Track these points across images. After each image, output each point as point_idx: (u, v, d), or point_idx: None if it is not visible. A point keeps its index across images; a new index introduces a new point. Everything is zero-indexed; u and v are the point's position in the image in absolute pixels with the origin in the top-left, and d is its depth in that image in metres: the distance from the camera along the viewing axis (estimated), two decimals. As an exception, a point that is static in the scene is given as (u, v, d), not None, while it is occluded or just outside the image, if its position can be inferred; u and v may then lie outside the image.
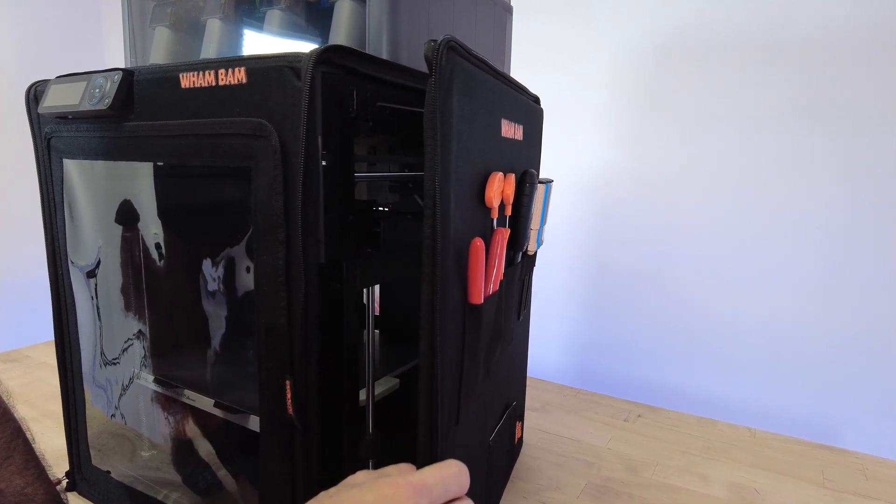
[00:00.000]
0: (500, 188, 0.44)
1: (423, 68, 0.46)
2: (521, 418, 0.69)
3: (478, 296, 0.42)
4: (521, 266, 0.60)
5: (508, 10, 0.65)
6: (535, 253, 0.67)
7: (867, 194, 0.91)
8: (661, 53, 1.04)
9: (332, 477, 0.43)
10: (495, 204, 0.44)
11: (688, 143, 1.03)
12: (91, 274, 0.59)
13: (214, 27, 0.57)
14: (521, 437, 0.68)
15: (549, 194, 0.63)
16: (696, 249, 1.05)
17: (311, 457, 0.43)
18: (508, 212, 0.49)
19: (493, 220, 0.45)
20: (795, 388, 1.00)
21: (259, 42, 0.58)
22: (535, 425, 0.83)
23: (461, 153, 0.39)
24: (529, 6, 1.14)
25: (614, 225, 1.13)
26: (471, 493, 0.36)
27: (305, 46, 0.52)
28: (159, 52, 0.60)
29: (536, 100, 0.65)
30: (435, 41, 0.35)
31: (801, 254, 0.97)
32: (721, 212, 1.02)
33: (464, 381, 0.43)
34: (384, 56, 0.47)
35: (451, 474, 0.35)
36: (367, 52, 0.46)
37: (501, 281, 0.48)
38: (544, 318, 1.22)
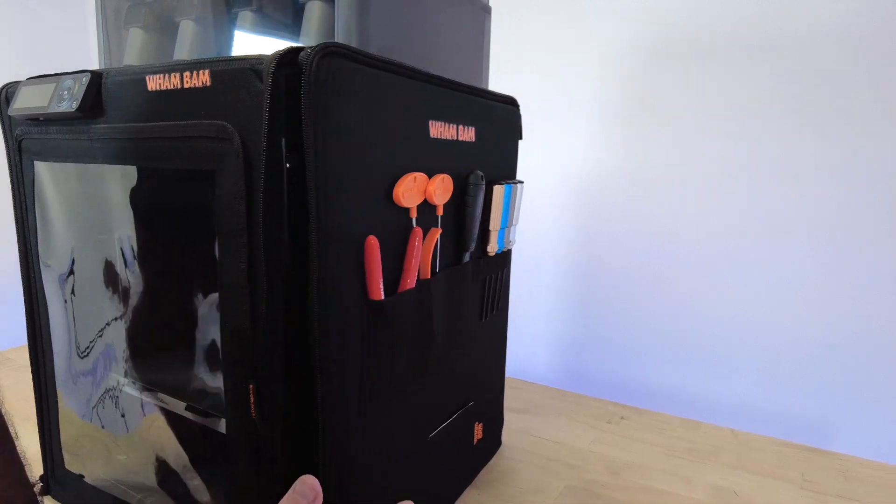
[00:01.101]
0: (414, 188, 0.46)
1: (397, 58, 0.47)
2: (485, 419, 0.68)
3: (377, 292, 0.43)
4: (478, 266, 0.61)
5: (487, 10, 0.65)
6: (505, 254, 0.67)
7: (857, 194, 0.91)
8: (652, 52, 1.04)
9: (291, 476, 0.43)
10: (406, 203, 0.45)
11: (678, 143, 1.03)
12: (64, 276, 0.58)
13: (188, 29, 0.56)
14: (483, 438, 0.68)
15: (515, 196, 0.63)
16: (686, 250, 1.05)
17: (276, 460, 0.43)
18: (440, 212, 0.50)
19: (412, 219, 0.47)
20: (787, 391, 1.00)
21: (234, 43, 0.58)
22: (519, 427, 0.82)
23: (353, 153, 0.40)
24: (517, 4, 1.14)
25: (604, 225, 1.12)
26: (405, 487, 0.38)
27: (281, 46, 0.52)
28: (133, 54, 0.59)
29: (509, 101, 0.64)
30: (311, 48, 0.37)
31: (791, 255, 0.97)
32: (710, 212, 1.02)
33: (369, 376, 0.45)
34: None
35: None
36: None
37: (425, 280, 0.49)
38: (533, 318, 1.22)
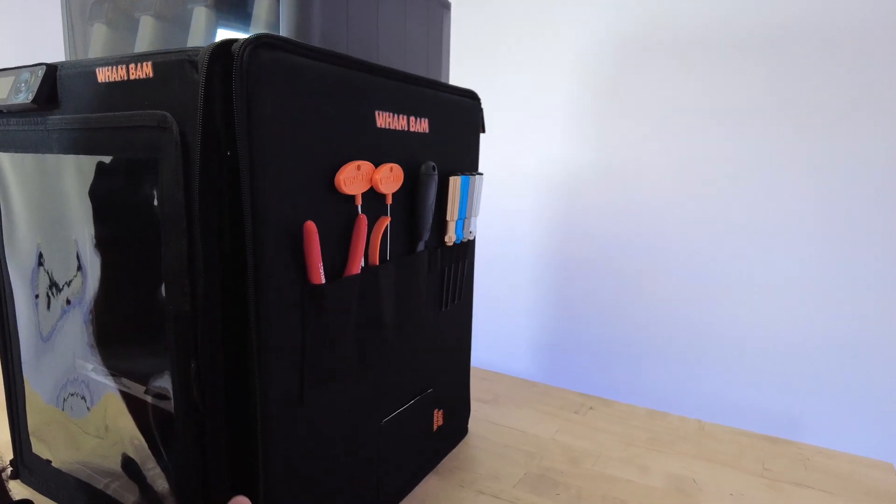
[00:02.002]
0: (358, 176, 0.47)
1: (339, 47, 0.48)
2: (445, 407, 0.70)
3: (317, 276, 0.45)
4: (436, 256, 0.62)
5: (445, 5, 0.66)
6: (465, 245, 0.68)
7: (836, 191, 0.92)
8: (629, 47, 1.05)
9: (236, 458, 0.44)
10: (349, 190, 0.47)
11: (655, 138, 1.04)
12: (27, 266, 0.60)
13: (147, 24, 0.58)
14: (444, 425, 0.69)
15: (474, 187, 0.64)
16: (661, 246, 1.06)
17: (220, 443, 0.44)
18: (389, 201, 0.52)
19: (357, 206, 0.48)
20: (757, 385, 1.01)
21: (190, 38, 0.59)
22: (484, 416, 0.84)
23: (287, 141, 0.42)
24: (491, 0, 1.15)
25: (581, 222, 1.14)
26: (356, 469, 0.38)
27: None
28: (97, 49, 0.61)
29: (468, 94, 0.66)
30: (244, 39, 0.39)
31: (770, 249, 0.98)
32: (687, 207, 1.03)
33: (310, 360, 0.46)
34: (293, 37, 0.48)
35: None
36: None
37: (372, 267, 0.51)
38: (511, 315, 1.23)
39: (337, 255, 0.48)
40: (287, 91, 0.41)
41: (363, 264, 0.50)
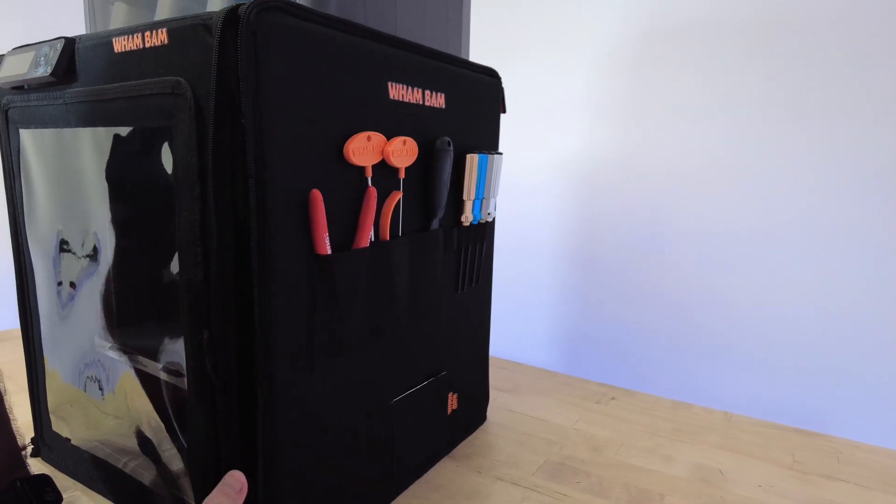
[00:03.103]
0: (368, 147, 0.46)
1: (356, 19, 0.47)
2: (460, 390, 0.68)
3: (322, 247, 0.44)
4: (451, 236, 0.61)
5: (465, -16, 0.65)
6: (483, 226, 0.67)
7: (861, 186, 0.89)
8: (654, 39, 1.02)
9: (249, 431, 0.44)
10: (358, 161, 0.46)
11: (677, 131, 1.02)
12: (47, 242, 0.60)
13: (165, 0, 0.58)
14: (458, 409, 0.68)
15: (492, 167, 0.63)
16: (686, 240, 1.03)
17: (231, 415, 0.44)
18: (402, 175, 0.51)
19: (367, 178, 0.47)
20: (782, 379, 0.98)
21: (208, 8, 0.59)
22: (503, 405, 0.82)
23: (293, 108, 0.41)
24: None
25: (602, 212, 1.11)
26: (365, 446, 0.37)
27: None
28: (117, 26, 0.61)
29: (488, 72, 0.64)
30: (250, 2, 0.38)
31: (790, 243, 0.95)
32: (711, 200, 1.00)
33: (317, 331, 0.45)
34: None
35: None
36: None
37: (383, 241, 0.50)
38: (532, 307, 1.21)
39: (347, 227, 0.47)
40: (294, 55, 0.40)
41: (373, 238, 0.49)
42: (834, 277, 0.92)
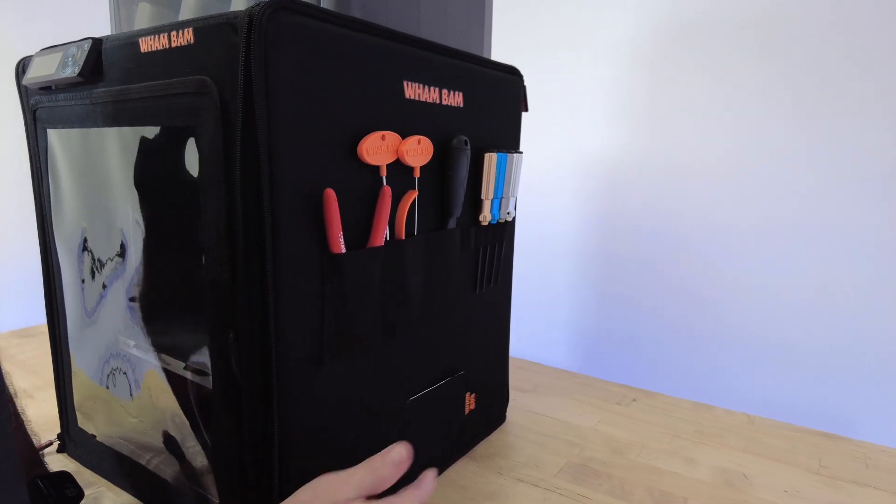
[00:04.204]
0: (382, 146, 0.46)
1: (379, 21, 0.47)
2: (478, 390, 0.68)
3: (336, 245, 0.44)
4: (469, 235, 0.60)
5: (487, -18, 0.65)
6: (502, 225, 0.66)
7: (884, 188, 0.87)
8: (675, 37, 1.01)
9: (270, 433, 0.44)
10: (373, 161, 0.45)
11: (697, 129, 1.00)
12: (73, 242, 0.61)
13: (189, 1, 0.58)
14: (476, 409, 0.68)
15: (512, 166, 0.62)
16: (709, 239, 1.02)
17: (256, 414, 0.44)
18: (417, 174, 0.51)
19: (382, 177, 0.47)
20: (806, 381, 0.96)
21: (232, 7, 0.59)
22: (523, 405, 0.82)
23: (305, 106, 0.41)
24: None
25: (623, 211, 1.10)
26: (379, 442, 0.37)
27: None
28: (142, 27, 0.62)
29: (509, 70, 0.64)
30: (264, 2, 0.38)
31: (811, 244, 0.93)
32: (731, 202, 0.99)
33: (329, 328, 0.45)
34: (333, 8, 0.48)
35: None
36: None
37: (398, 240, 0.50)
38: (550, 304, 1.21)
39: (361, 226, 0.47)
40: (306, 54, 0.40)
41: (388, 237, 0.49)
42: (862, 277, 0.90)
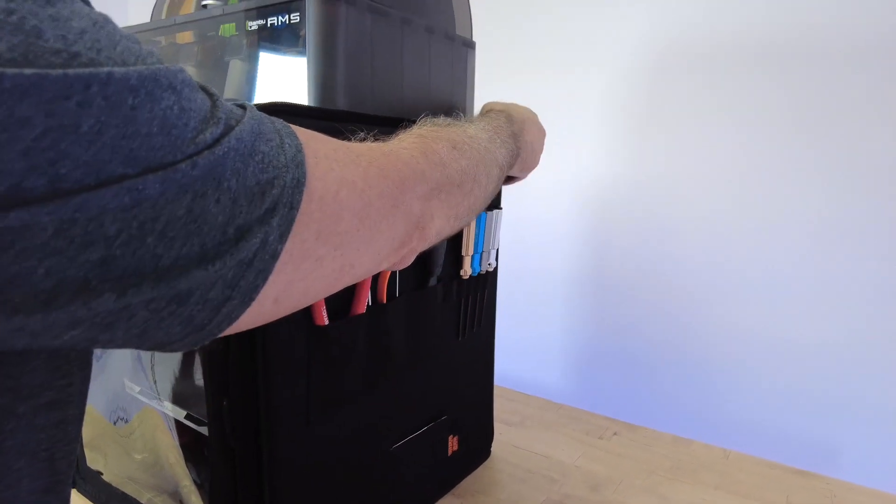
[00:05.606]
0: None
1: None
2: (461, 432, 0.72)
3: (320, 318, 0.47)
4: (451, 289, 0.64)
5: (469, 45, 0.69)
6: (484, 276, 0.70)
7: (874, 200, 0.90)
8: (664, 59, 1.04)
9: (261, 486, 0.48)
10: None
11: (692, 152, 1.03)
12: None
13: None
14: (458, 449, 0.71)
15: (492, 222, 0.66)
16: (699, 263, 1.05)
17: (249, 471, 0.48)
18: None
19: None
20: (802, 411, 0.99)
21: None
22: (509, 440, 0.86)
23: None
24: (528, 9, 1.16)
25: (613, 237, 1.14)
26: (364, 492, 0.41)
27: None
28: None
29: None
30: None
31: (807, 264, 0.96)
32: (726, 223, 1.02)
33: (314, 391, 0.49)
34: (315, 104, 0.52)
35: None
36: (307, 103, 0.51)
37: (380, 305, 0.53)
38: (540, 326, 1.24)
39: (345, 293, 0.51)
40: None
41: (370, 303, 0.53)
42: (856, 307, 0.93)
